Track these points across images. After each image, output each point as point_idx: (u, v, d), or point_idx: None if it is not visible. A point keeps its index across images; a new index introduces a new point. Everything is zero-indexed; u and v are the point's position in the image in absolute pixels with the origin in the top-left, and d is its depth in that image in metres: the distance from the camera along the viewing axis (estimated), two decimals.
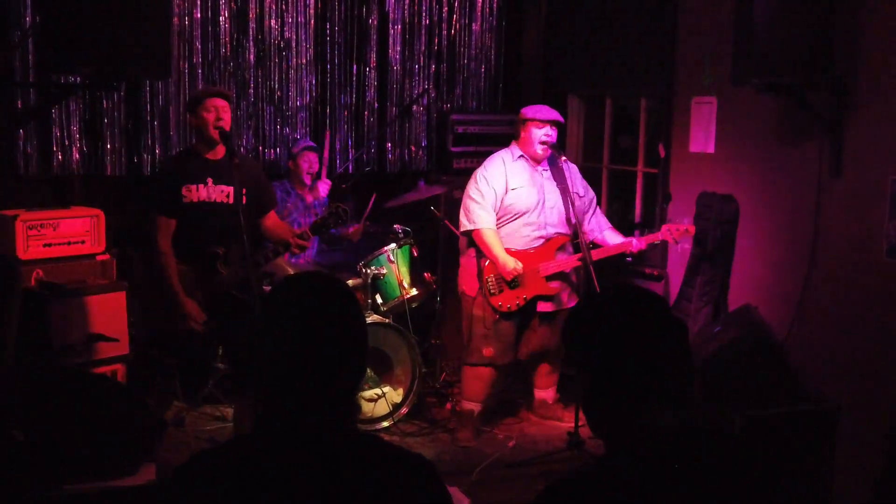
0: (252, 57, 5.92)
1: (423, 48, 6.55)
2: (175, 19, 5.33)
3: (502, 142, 5.27)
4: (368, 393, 5.16)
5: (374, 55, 6.39)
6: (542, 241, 4.99)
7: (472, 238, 4.98)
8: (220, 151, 4.45)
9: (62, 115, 5.32)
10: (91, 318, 4.59)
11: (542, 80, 6.78)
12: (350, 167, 6.33)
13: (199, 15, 5.70)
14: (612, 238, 5.07)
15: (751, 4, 4.31)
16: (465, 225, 4.98)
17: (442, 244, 5.80)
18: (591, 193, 5.24)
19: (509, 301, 4.94)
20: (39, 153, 5.27)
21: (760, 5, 4.29)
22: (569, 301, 5.09)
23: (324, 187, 5.77)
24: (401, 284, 5.33)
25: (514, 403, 5.56)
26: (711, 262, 5.22)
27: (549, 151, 4.98)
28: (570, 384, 5.43)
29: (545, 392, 5.39)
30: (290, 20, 6.03)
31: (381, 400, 5.16)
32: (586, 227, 5.07)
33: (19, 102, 5.19)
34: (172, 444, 4.69)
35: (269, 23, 5.96)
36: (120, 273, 4.96)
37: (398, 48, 6.46)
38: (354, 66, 6.33)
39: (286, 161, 5.95)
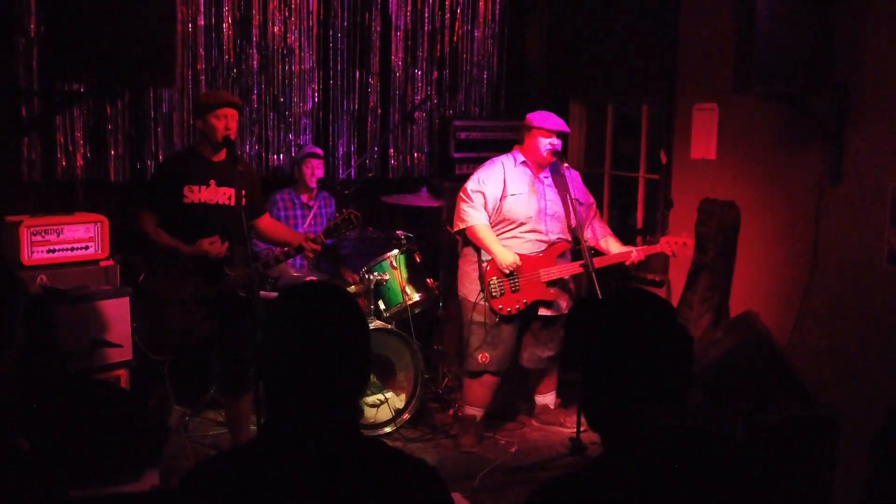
0: (255, 63, 5.94)
1: (426, 54, 6.57)
2: (179, 26, 5.35)
3: (504, 148, 5.28)
4: (371, 398, 5.18)
5: (376, 61, 6.40)
6: (544, 246, 5.01)
7: (468, 237, 5.00)
8: (222, 154, 4.48)
9: (66, 122, 5.33)
10: (94, 324, 4.60)
11: (544, 87, 6.80)
12: (353, 173, 6.35)
13: (202, 22, 5.71)
14: (612, 245, 5.08)
15: (752, 12, 4.31)
16: (458, 224, 5.02)
17: (444, 250, 5.81)
18: (592, 200, 5.26)
19: (510, 305, 4.96)
20: (43, 159, 5.30)
21: (762, 13, 4.30)
22: (567, 308, 5.10)
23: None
24: (403, 290, 5.34)
25: (516, 409, 5.57)
26: (713, 269, 5.23)
27: (553, 159, 5.00)
28: (571, 390, 5.45)
29: (546, 397, 5.40)
30: (294, 27, 6.05)
31: (383, 405, 5.17)
32: (587, 233, 5.09)
33: (24, 109, 5.22)
34: (176, 449, 4.73)
35: (273, 29, 5.98)
36: (123, 279, 4.97)
37: (401, 54, 6.48)
38: (357, 73, 6.35)
39: (290, 167, 5.97)
